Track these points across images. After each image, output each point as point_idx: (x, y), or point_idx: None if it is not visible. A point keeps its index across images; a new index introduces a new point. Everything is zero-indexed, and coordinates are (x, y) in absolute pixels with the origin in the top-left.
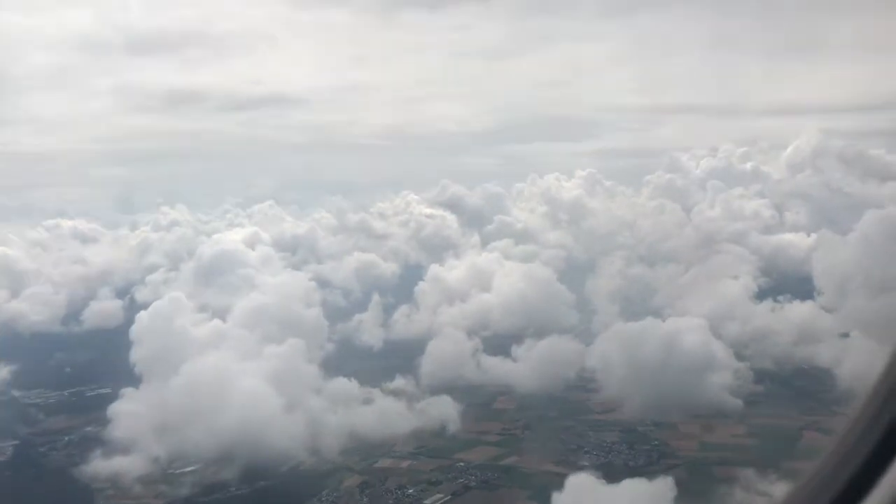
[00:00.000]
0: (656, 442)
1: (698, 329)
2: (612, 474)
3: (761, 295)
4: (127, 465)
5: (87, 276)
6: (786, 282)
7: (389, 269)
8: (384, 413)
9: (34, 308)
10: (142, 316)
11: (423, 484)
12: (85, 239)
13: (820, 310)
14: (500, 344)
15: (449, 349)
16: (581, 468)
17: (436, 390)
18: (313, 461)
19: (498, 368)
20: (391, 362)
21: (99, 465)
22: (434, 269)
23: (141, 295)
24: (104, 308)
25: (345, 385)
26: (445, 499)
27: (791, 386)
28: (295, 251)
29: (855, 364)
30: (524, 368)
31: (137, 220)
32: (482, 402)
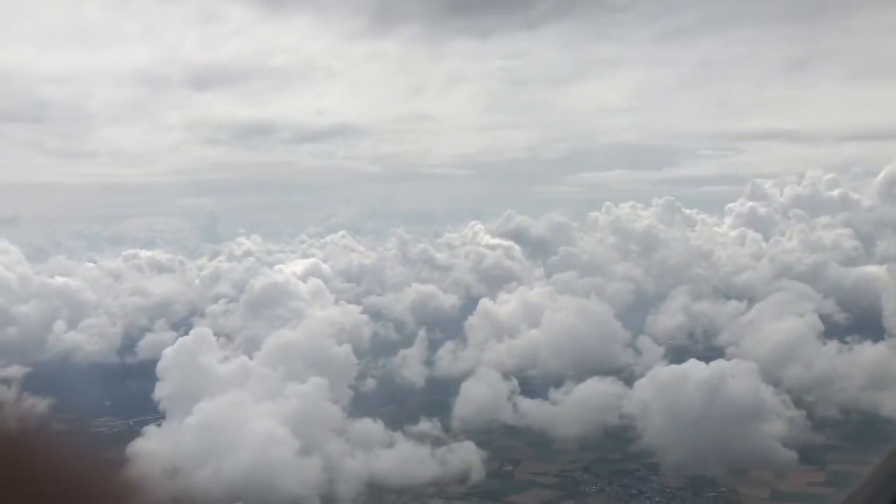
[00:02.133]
0: (723, 489)
1: (747, 373)
2: None
3: (832, 333)
4: None
5: (146, 307)
6: (863, 319)
7: (448, 301)
8: (405, 457)
9: (91, 339)
10: (167, 352)
11: None
12: (162, 269)
13: (892, 351)
14: (542, 384)
15: (484, 391)
16: None
17: (465, 433)
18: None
19: (534, 412)
20: (427, 401)
21: None
22: (484, 303)
23: (200, 326)
24: (159, 340)
25: (369, 427)
26: None
27: (857, 435)
28: (360, 282)
29: None
30: (560, 412)
31: (220, 250)
32: (514, 446)
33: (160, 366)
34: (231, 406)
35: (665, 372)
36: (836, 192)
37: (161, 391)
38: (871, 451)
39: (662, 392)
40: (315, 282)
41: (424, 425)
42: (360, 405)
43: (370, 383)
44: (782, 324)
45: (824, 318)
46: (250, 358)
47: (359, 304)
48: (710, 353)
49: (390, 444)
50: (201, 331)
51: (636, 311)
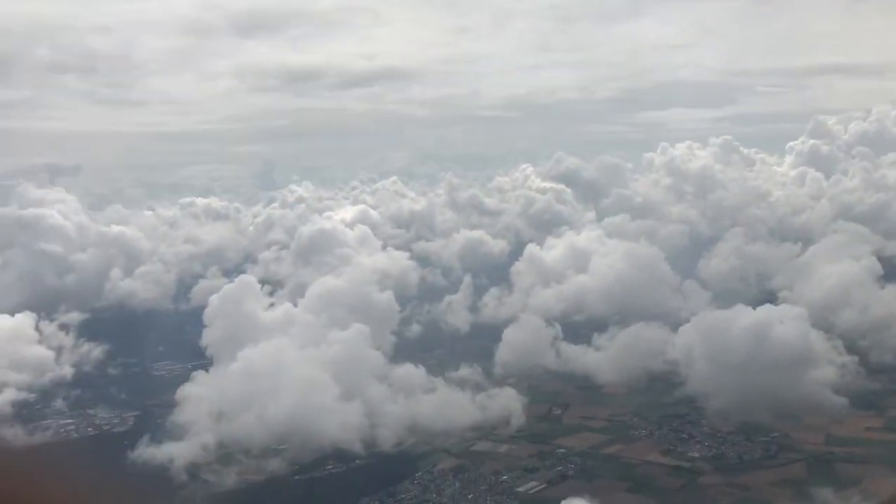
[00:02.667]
0: (776, 434)
1: (795, 318)
2: (722, 468)
3: (893, 276)
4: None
5: (199, 255)
6: None
7: (497, 246)
8: (446, 402)
9: (146, 286)
10: (213, 299)
11: (519, 470)
12: (217, 216)
13: None
14: (587, 330)
15: (526, 337)
16: (689, 459)
17: (508, 379)
18: (412, 441)
19: (578, 357)
20: (471, 347)
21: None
22: (530, 248)
23: (253, 273)
24: (212, 286)
25: (411, 372)
26: (540, 487)
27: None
28: (409, 228)
29: None
30: (604, 357)
31: (275, 197)
32: (562, 390)
33: (206, 313)
34: (274, 352)
35: (709, 317)
36: None
37: (207, 337)
38: None
39: (706, 338)
40: (362, 228)
41: (466, 371)
42: (404, 351)
43: (415, 329)
44: (838, 267)
45: (885, 260)
46: (297, 305)
47: (408, 250)
48: (763, 296)
49: (432, 390)
50: (246, 278)
51: (689, 254)
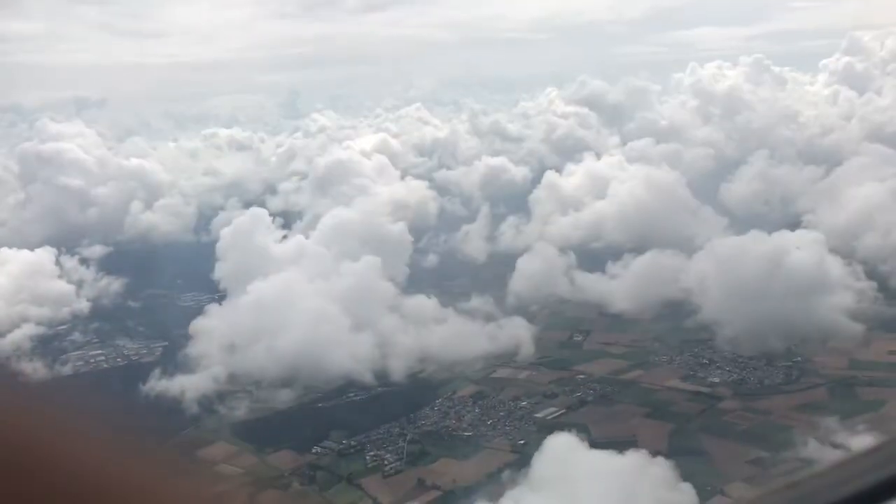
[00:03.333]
0: (798, 358)
1: (812, 243)
2: (743, 393)
3: None
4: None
5: (220, 186)
6: None
7: (520, 173)
8: (457, 332)
9: (166, 219)
10: (225, 232)
11: (539, 396)
12: (241, 147)
13: None
14: (602, 258)
15: (539, 266)
16: (709, 385)
17: (520, 309)
18: (433, 369)
19: (591, 285)
20: (486, 277)
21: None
22: (549, 175)
23: (272, 204)
24: (232, 218)
25: (423, 303)
26: (559, 412)
27: None
28: (432, 156)
29: None
30: (618, 286)
31: (299, 126)
32: (583, 316)
33: (218, 246)
34: (283, 285)
35: (722, 244)
36: None
37: (220, 271)
38: None
39: (719, 265)
40: (380, 158)
41: (479, 301)
42: (419, 282)
43: (432, 259)
44: (862, 190)
45: None
46: (309, 237)
47: (429, 178)
48: (786, 220)
49: (444, 320)
50: (257, 211)
51: (714, 178)
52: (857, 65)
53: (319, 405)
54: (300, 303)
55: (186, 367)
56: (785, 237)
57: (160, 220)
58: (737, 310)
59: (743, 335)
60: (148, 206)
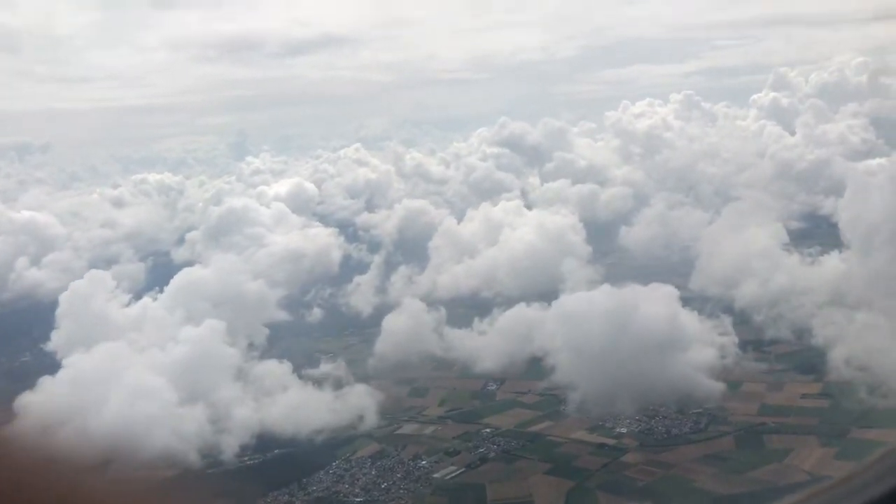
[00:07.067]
0: (710, 405)
1: (665, 297)
2: (648, 444)
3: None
4: None
5: (116, 239)
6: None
7: (441, 216)
8: (303, 402)
9: (52, 275)
10: (63, 297)
11: (440, 454)
12: (171, 192)
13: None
14: (490, 308)
15: (405, 324)
16: (616, 436)
17: (378, 371)
18: (338, 427)
19: (460, 342)
20: (361, 334)
21: None
22: (447, 221)
23: (178, 255)
24: (124, 271)
25: (270, 369)
26: (458, 471)
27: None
28: (360, 198)
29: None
30: (482, 343)
31: (243, 169)
32: (426, 384)
33: (58, 312)
34: (108, 356)
35: (569, 300)
36: (864, 78)
37: (55, 340)
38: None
39: (566, 323)
40: (278, 206)
41: (327, 367)
42: (285, 342)
43: (316, 314)
44: (740, 236)
45: (816, 218)
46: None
47: (350, 222)
48: (684, 266)
49: (287, 388)
50: (97, 273)
51: (629, 219)
52: (782, 100)
53: (210, 471)
54: (124, 375)
55: None
56: (635, 291)
57: (47, 276)
58: (581, 372)
59: (586, 400)
60: (36, 261)
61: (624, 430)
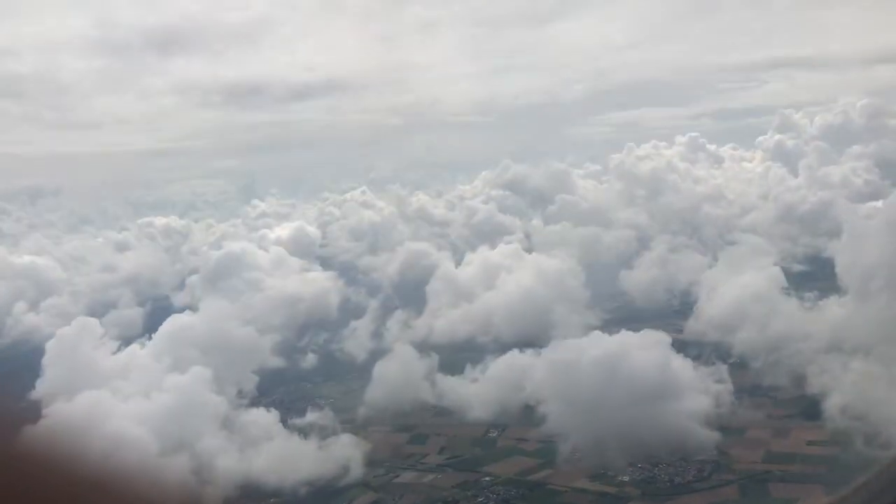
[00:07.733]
0: (714, 452)
1: (656, 343)
2: (651, 493)
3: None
4: None
5: (116, 283)
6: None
7: (442, 259)
8: (289, 453)
9: (50, 320)
10: (49, 345)
11: (438, 503)
12: (175, 235)
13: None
14: (483, 355)
15: (399, 369)
16: (617, 484)
17: (369, 419)
18: (333, 476)
19: (452, 390)
20: (354, 381)
21: None
22: (444, 266)
23: (177, 299)
24: (122, 316)
25: (261, 418)
26: None
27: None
28: (361, 240)
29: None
30: (474, 390)
31: (248, 212)
32: (425, 431)
33: (44, 360)
34: (90, 405)
35: (560, 347)
36: (867, 120)
37: (41, 388)
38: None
39: (555, 371)
40: (277, 250)
41: (317, 414)
42: (276, 389)
43: (310, 360)
44: (739, 280)
45: (819, 261)
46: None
47: (353, 265)
48: (683, 309)
49: (277, 436)
50: (85, 320)
51: (625, 263)
52: (787, 141)
53: None
54: (104, 425)
55: None
56: (626, 338)
57: (44, 321)
58: (572, 421)
59: (577, 450)
60: (34, 306)
61: (626, 479)
